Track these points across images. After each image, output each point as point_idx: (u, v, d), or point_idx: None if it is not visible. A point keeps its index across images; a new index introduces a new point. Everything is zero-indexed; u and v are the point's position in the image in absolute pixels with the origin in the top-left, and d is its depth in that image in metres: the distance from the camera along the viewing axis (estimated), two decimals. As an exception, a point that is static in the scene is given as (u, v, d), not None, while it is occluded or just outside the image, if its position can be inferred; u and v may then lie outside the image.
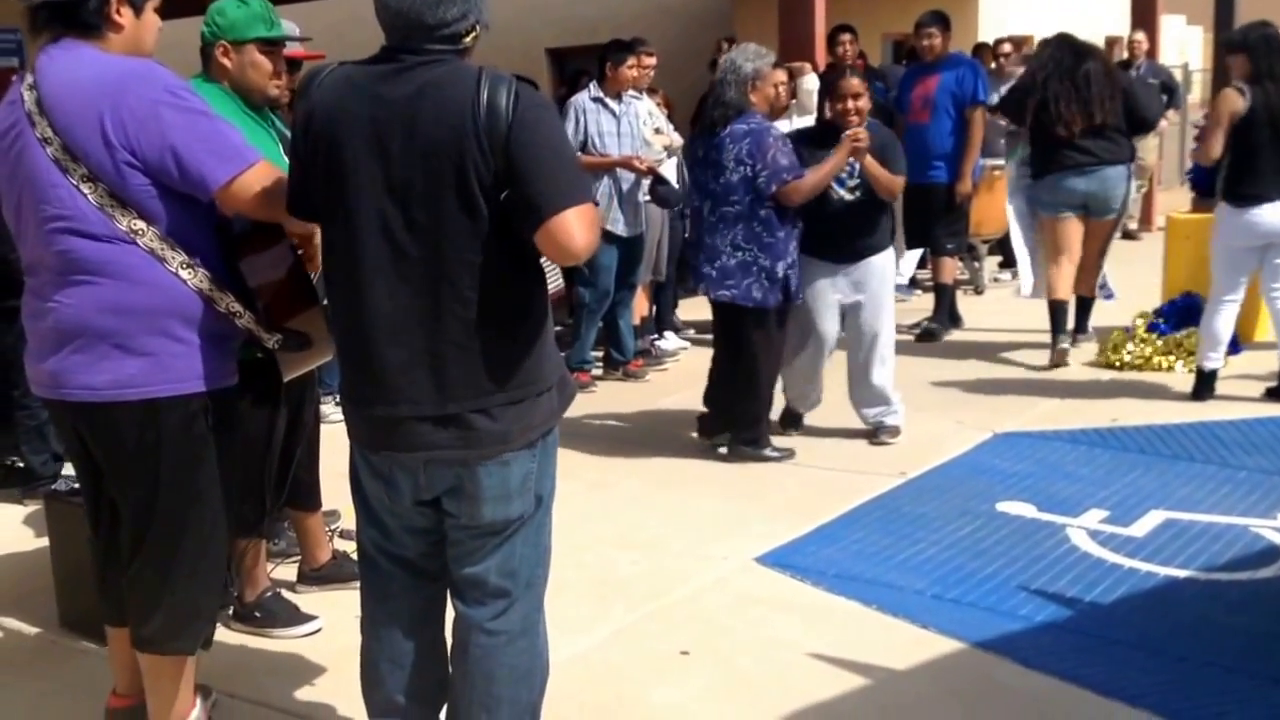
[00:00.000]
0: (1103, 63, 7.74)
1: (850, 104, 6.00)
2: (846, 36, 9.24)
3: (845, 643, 4.10)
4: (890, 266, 6.36)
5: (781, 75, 6.45)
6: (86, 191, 3.01)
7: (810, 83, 8.37)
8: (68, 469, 5.60)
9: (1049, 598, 4.40)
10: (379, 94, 2.68)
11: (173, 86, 3.06)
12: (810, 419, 6.70)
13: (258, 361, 3.45)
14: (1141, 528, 5.05)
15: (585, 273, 7.45)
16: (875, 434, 6.36)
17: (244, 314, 3.19)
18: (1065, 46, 7.65)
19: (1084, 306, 8.27)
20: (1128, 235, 13.07)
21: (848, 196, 6.06)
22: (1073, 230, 7.77)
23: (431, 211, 2.65)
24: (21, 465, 6.03)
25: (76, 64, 3.05)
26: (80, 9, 3.07)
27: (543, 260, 2.80)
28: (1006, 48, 11.25)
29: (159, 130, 2.99)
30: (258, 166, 3.07)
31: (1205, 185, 8.13)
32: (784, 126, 8.28)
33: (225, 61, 3.97)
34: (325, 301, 3.21)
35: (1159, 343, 7.77)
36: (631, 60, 7.64)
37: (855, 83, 6.08)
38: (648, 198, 7.76)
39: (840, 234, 6.10)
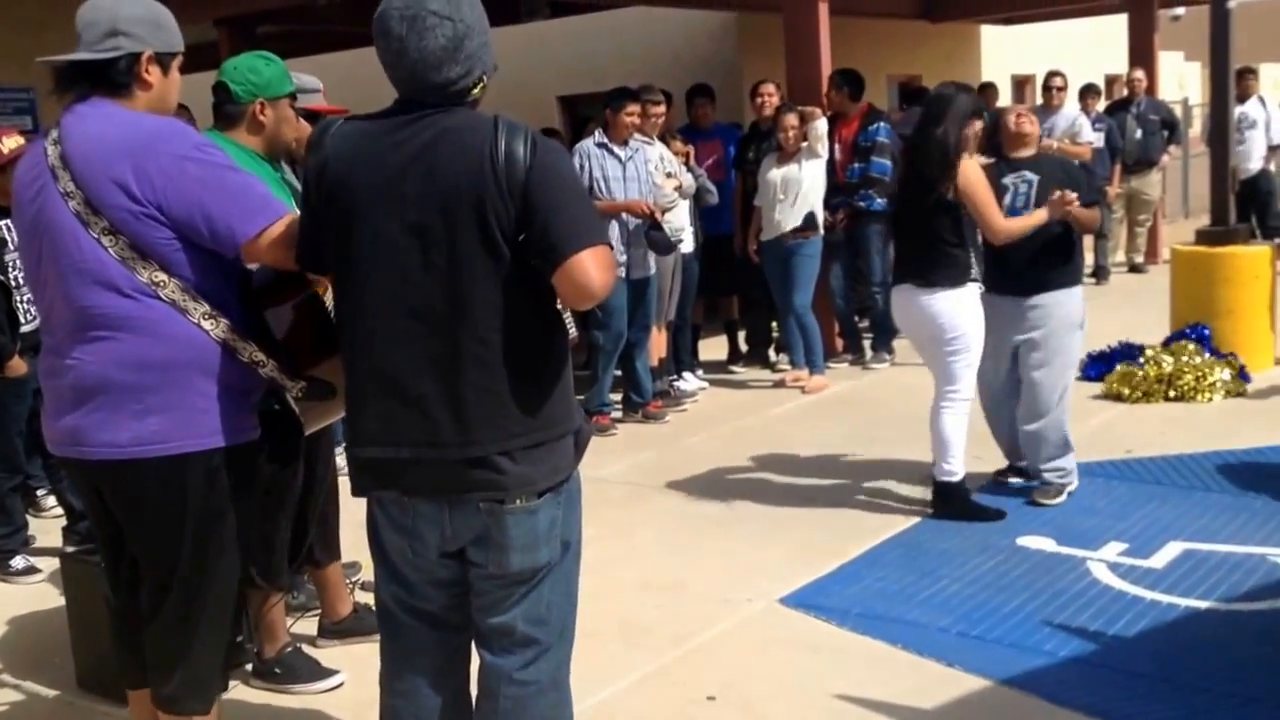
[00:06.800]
0: None
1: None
2: (768, 88, 9.35)
3: (872, 683, 4.08)
4: (1074, 306, 5.85)
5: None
6: (108, 244, 3.02)
7: (821, 127, 8.43)
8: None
9: (1072, 632, 4.39)
10: (395, 142, 2.70)
11: (199, 143, 3.10)
12: (825, 454, 6.70)
13: (276, 414, 3.45)
14: (1161, 559, 5.04)
15: (599, 315, 7.49)
16: (1032, 491, 5.94)
17: (267, 363, 3.19)
18: None
19: None
20: (1134, 268, 13.11)
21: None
22: None
23: (450, 255, 2.67)
24: None
25: (102, 121, 3.08)
26: (110, 68, 3.11)
27: (558, 306, 2.82)
28: (1059, 81, 11.38)
29: (187, 186, 3.01)
30: (285, 218, 3.09)
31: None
32: (794, 169, 8.39)
33: (262, 118, 4.03)
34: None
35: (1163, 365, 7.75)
36: (631, 106, 7.72)
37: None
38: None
39: (1021, 263, 5.71)
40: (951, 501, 5.71)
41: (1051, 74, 11.63)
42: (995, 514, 5.67)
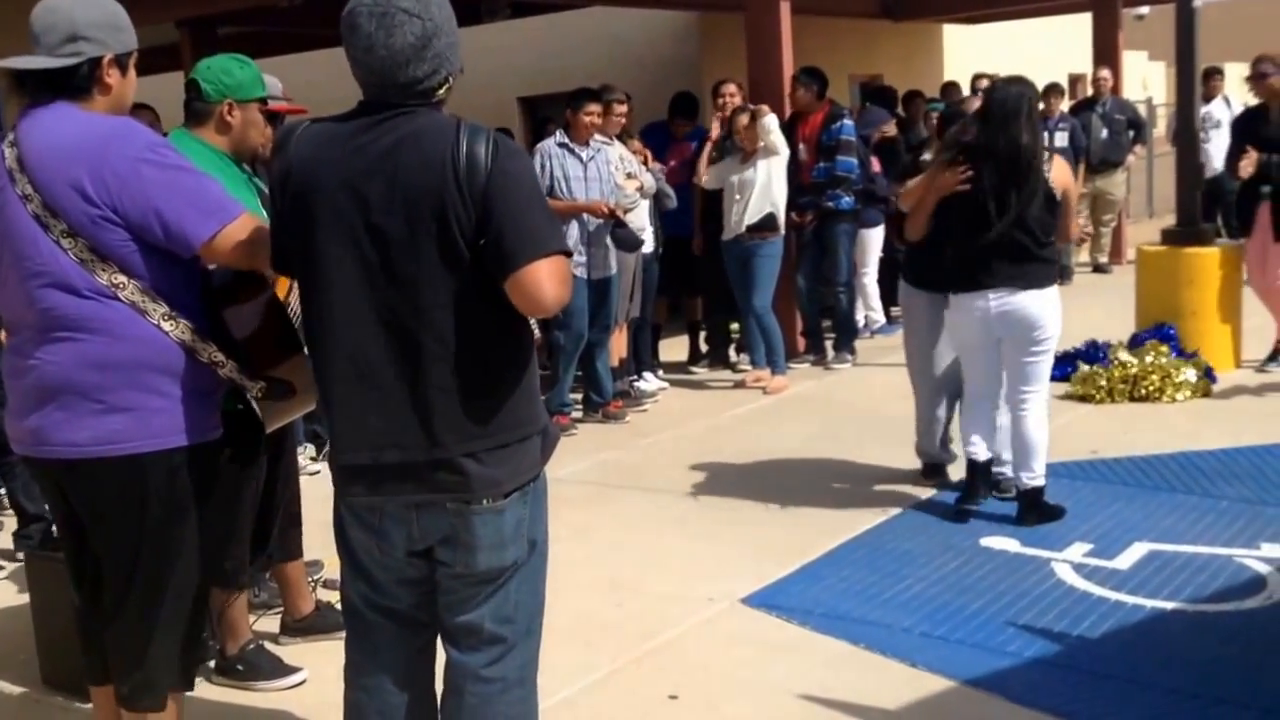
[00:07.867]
0: None
1: None
2: (729, 88, 9.30)
3: (835, 683, 4.07)
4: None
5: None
6: (67, 247, 3.02)
7: (772, 123, 8.39)
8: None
9: (1037, 633, 4.40)
10: (358, 145, 2.70)
11: (153, 143, 3.09)
12: (787, 455, 6.68)
13: (238, 413, 3.43)
14: (1126, 560, 5.05)
15: (560, 316, 7.47)
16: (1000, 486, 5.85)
17: (226, 363, 3.19)
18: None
19: None
20: (1099, 269, 13.18)
21: None
22: None
23: (412, 258, 2.67)
24: None
25: (58, 123, 3.07)
26: (73, 74, 3.09)
27: None
28: (985, 82, 11.41)
29: (141, 188, 3.01)
30: (240, 219, 3.10)
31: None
32: (749, 170, 8.36)
33: (230, 119, 4.05)
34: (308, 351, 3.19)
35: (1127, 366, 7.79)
36: (591, 107, 7.69)
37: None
38: (615, 241, 7.80)
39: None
40: (1040, 506, 5.56)
41: (977, 76, 11.70)
42: (1062, 512, 5.61)
